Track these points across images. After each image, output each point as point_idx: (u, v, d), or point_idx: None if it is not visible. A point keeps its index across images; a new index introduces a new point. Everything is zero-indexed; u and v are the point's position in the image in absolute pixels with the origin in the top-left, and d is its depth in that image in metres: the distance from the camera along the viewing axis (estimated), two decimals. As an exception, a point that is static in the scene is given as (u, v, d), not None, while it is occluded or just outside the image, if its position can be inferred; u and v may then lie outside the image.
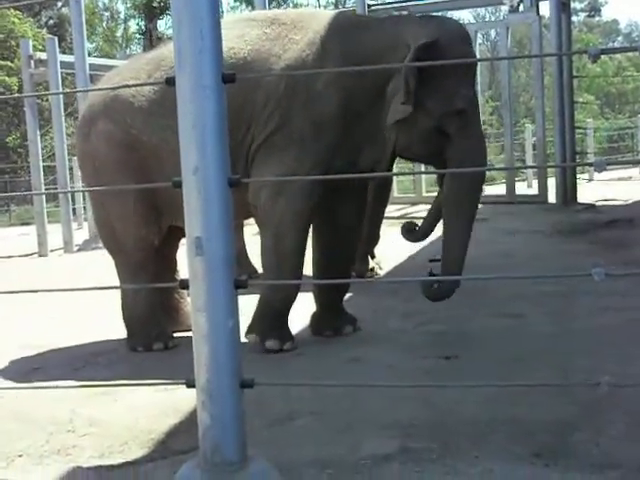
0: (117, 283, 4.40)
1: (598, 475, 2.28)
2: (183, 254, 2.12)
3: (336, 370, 3.60)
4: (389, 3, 11.48)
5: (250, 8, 25.88)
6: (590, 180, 15.84)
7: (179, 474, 1.99)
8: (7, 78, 23.67)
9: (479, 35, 13.13)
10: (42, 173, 10.63)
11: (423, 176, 12.05)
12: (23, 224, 17.14)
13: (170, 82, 1.91)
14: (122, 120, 4.16)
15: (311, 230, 4.18)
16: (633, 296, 4.71)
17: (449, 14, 11.61)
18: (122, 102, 4.17)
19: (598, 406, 2.80)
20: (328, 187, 3.98)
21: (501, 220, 8.61)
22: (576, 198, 10.62)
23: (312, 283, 4.37)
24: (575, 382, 3.06)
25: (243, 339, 2.04)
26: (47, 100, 17.53)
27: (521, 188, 12.67)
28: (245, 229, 6.61)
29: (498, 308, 4.66)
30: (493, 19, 34.03)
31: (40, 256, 10.01)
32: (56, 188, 12.05)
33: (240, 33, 4.06)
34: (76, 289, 2.44)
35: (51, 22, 30.59)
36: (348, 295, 4.58)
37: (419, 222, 4.48)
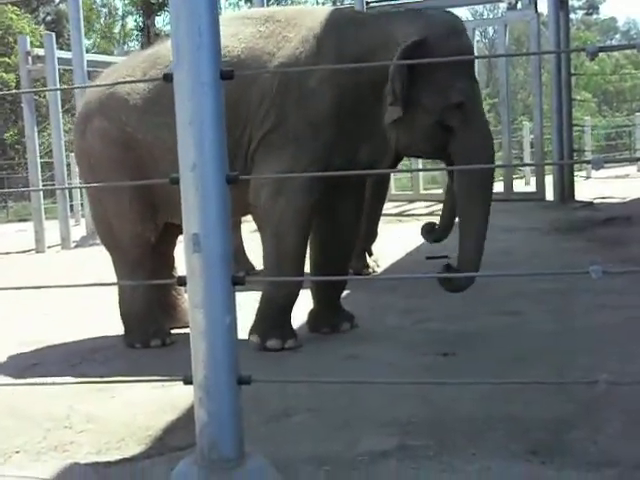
0: (115, 279, 4.40)
1: (595, 473, 2.28)
2: (181, 251, 2.11)
3: (333, 367, 3.60)
4: (387, 0, 11.46)
5: (249, 5, 25.84)
6: (588, 178, 15.85)
7: (176, 470, 1.99)
8: (5, 74, 23.63)
9: (477, 32, 13.10)
10: (39, 169, 10.63)
11: (421, 174, 12.07)
12: (20, 220, 17.13)
13: (168, 78, 1.90)
14: (117, 118, 4.16)
15: (309, 227, 4.17)
16: (631, 294, 4.71)
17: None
18: (117, 100, 4.17)
19: (596, 404, 2.80)
20: (328, 185, 3.98)
21: (499, 217, 8.56)
22: (574, 196, 10.63)
23: (310, 280, 4.36)
24: (573, 380, 3.06)
25: (241, 336, 2.03)
26: (44, 96, 17.52)
27: (519, 185, 12.69)
28: (243, 226, 6.61)
29: (496, 305, 4.66)
30: (491, 16, 33.99)
31: (37, 252, 10.01)
32: (53, 184, 12.03)
33: (234, 31, 4.04)
34: (73, 285, 2.43)
35: (49, 18, 30.55)
36: (346, 292, 4.58)
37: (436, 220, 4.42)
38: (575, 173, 11.32)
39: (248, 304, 3.97)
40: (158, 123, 4.02)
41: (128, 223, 4.20)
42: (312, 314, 4.34)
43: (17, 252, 10.07)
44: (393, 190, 11.47)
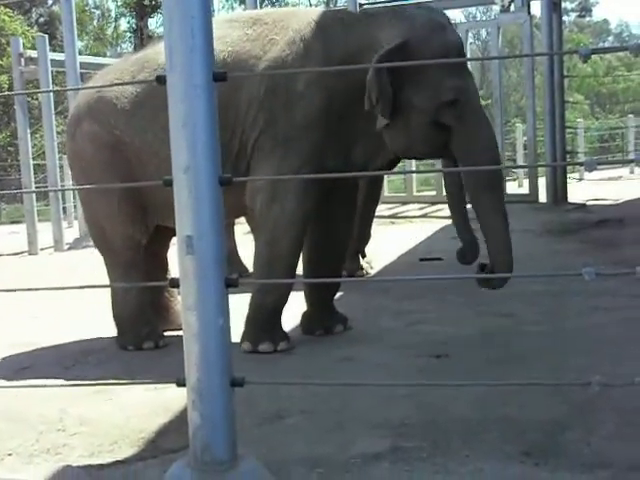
0: (107, 282, 4.39)
1: (588, 474, 2.28)
2: (174, 253, 2.11)
3: (327, 369, 3.60)
4: (380, 2, 11.47)
5: (243, 7, 25.83)
6: (580, 180, 15.87)
7: (169, 473, 1.99)
8: (-3, 76, 23.59)
9: (470, 34, 13.13)
10: (32, 171, 10.60)
11: (414, 175, 12.06)
12: (13, 222, 17.07)
13: (161, 81, 1.90)
14: (106, 121, 4.16)
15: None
16: (623, 296, 4.72)
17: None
18: (106, 103, 4.17)
19: (589, 405, 2.80)
20: (322, 188, 3.96)
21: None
22: (566, 198, 10.65)
23: (303, 282, 4.36)
24: (566, 381, 3.06)
25: (233, 338, 2.04)
26: (37, 98, 17.46)
27: (512, 187, 12.70)
28: (236, 228, 6.61)
29: (489, 307, 4.66)
30: (484, 19, 34.05)
31: (30, 255, 9.98)
32: (46, 186, 12.01)
33: (221, 34, 3.99)
34: (66, 288, 2.44)
35: (41, 20, 30.51)
36: (339, 294, 4.58)
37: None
38: (568, 175, 11.34)
39: (242, 306, 3.97)
40: (144, 127, 4.03)
41: (119, 225, 4.20)
42: (305, 316, 4.33)
43: (9, 254, 10.04)
44: (386, 192, 11.47)
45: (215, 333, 1.88)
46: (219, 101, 1.91)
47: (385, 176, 9.28)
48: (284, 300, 4.02)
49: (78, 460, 2.65)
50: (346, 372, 3.53)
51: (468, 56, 12.18)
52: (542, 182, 10.60)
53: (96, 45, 31.73)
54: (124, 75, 4.21)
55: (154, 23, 29.95)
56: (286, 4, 31.33)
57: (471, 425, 2.71)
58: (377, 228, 6.82)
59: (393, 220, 10.07)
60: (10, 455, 2.72)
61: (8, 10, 24.51)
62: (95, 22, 33.54)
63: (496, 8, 13.79)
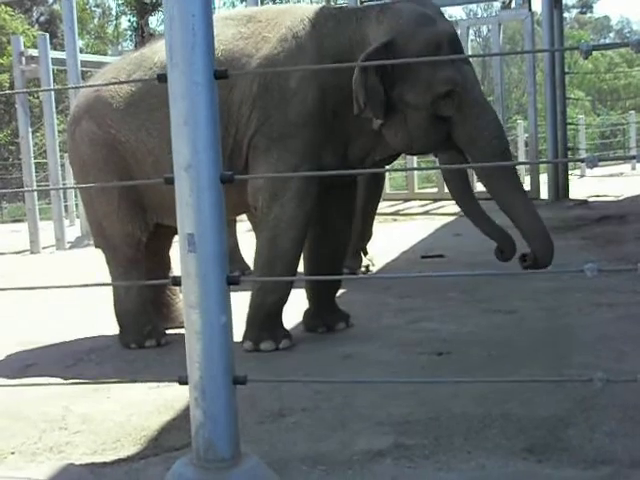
0: (109, 280, 4.39)
1: (591, 471, 2.29)
2: (176, 251, 2.11)
3: (329, 366, 3.60)
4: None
5: (245, 4, 25.79)
6: (582, 176, 15.88)
7: (172, 471, 1.99)
8: (-2, 75, 23.61)
9: (471, 31, 13.12)
10: (34, 170, 10.61)
11: (416, 172, 12.06)
12: (15, 221, 17.10)
13: (162, 79, 1.90)
14: (103, 120, 4.16)
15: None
16: (625, 292, 4.72)
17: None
18: (103, 102, 4.17)
19: (591, 402, 2.80)
20: (323, 186, 3.95)
21: (493, 216, 8.57)
22: (568, 194, 10.65)
23: (304, 280, 4.36)
24: (568, 378, 3.06)
25: (235, 336, 2.04)
26: (38, 97, 17.46)
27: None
28: (238, 225, 6.61)
29: (491, 304, 4.67)
30: (485, 15, 34.02)
31: (32, 253, 9.99)
32: (48, 185, 12.01)
33: (216, 33, 3.97)
34: (68, 286, 2.43)
35: (42, 19, 30.51)
36: (341, 291, 4.58)
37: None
38: (569, 172, 11.36)
39: (243, 304, 3.97)
40: (138, 125, 4.03)
41: (118, 223, 4.20)
42: (307, 314, 4.33)
43: (11, 253, 10.05)
44: (388, 189, 11.48)
45: (217, 331, 1.88)
46: None
47: (387, 173, 9.28)
48: (285, 299, 4.01)
49: (81, 458, 2.65)
50: (348, 369, 3.53)
51: (469, 53, 12.19)
52: (544, 179, 10.60)
53: (97, 43, 31.72)
54: (120, 74, 4.21)
55: (155, 21, 29.93)
56: (287, 1, 31.30)
57: (473, 422, 2.71)
58: (379, 225, 6.82)
59: (395, 217, 10.08)
60: (13, 453, 2.72)
61: (9, 9, 24.53)
62: (96, 20, 33.54)
63: (497, 5, 13.79)
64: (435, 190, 11.86)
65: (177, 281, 1.92)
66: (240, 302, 3.53)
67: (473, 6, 38.20)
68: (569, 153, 11.40)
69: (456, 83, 3.76)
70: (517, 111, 31.83)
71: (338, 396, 3.06)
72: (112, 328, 4.37)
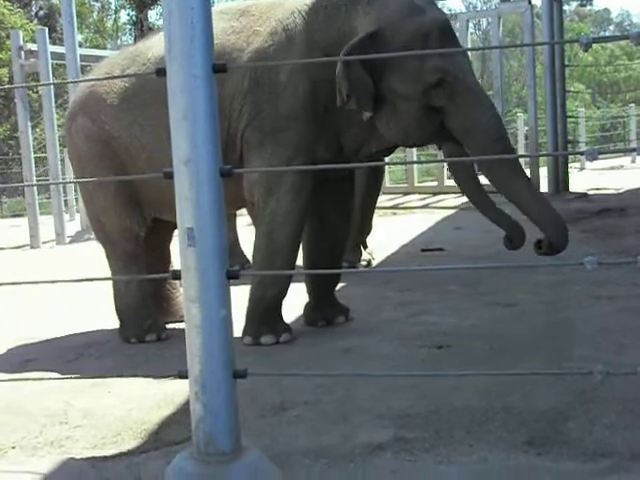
0: (109, 274, 4.40)
1: (591, 463, 2.29)
2: (176, 245, 2.11)
3: (329, 360, 3.60)
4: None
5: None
6: (582, 169, 15.89)
7: (172, 465, 1.99)
8: (-3, 69, 23.58)
9: (471, 24, 13.10)
10: (33, 165, 10.59)
11: (415, 166, 12.06)
12: (15, 216, 17.08)
13: (161, 73, 1.90)
14: (97, 116, 4.17)
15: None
16: (625, 285, 4.72)
17: (440, 4, 11.59)
18: (97, 98, 4.18)
19: (592, 395, 2.80)
20: (318, 180, 3.95)
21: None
22: (568, 187, 10.65)
23: (304, 273, 4.36)
24: (569, 371, 3.06)
25: (235, 330, 2.04)
26: (37, 91, 17.45)
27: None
28: (238, 219, 6.60)
29: (491, 297, 4.67)
30: (485, 8, 33.98)
31: (32, 248, 9.98)
32: (47, 180, 12.01)
33: None
34: (68, 280, 2.44)
35: (41, 13, 30.46)
36: (341, 285, 4.58)
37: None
38: (569, 164, 11.35)
39: (243, 297, 3.97)
40: (131, 121, 4.04)
41: (116, 218, 4.21)
42: (307, 307, 4.33)
43: (11, 248, 10.05)
44: (387, 183, 11.47)
45: (217, 324, 1.88)
46: None
47: (386, 166, 9.27)
48: (284, 293, 4.01)
49: (81, 452, 2.65)
50: (348, 363, 3.53)
51: (469, 46, 12.18)
52: (543, 172, 10.59)
53: (96, 37, 31.72)
54: (114, 69, 4.21)
55: (154, 15, 29.93)
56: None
57: (474, 415, 2.71)
58: (378, 219, 6.82)
59: (395, 211, 10.07)
60: (14, 448, 2.72)
61: (8, 3, 24.49)
62: (95, 14, 33.52)
63: (497, -3, 13.77)
64: (435, 183, 11.87)
65: (177, 275, 1.92)
66: (240, 296, 3.54)
67: (473, -1, 38.18)
68: (569, 146, 11.40)
69: (446, 72, 3.67)
70: (517, 104, 31.81)
71: (339, 389, 3.06)
72: (112, 322, 4.37)
